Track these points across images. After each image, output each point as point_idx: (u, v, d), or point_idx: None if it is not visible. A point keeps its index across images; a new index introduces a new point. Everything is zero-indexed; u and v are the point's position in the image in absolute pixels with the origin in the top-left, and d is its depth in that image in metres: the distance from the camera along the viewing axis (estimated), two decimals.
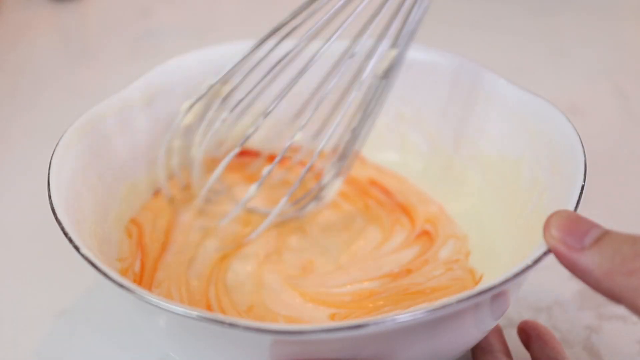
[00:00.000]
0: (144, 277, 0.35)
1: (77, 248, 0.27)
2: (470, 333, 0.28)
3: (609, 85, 0.58)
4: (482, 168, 0.38)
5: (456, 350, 0.29)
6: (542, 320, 0.36)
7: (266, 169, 0.35)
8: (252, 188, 0.35)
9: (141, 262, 0.35)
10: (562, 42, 0.65)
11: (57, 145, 0.32)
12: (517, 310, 0.37)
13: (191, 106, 0.37)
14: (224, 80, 0.37)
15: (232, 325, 0.23)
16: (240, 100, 0.36)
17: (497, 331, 0.33)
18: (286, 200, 0.35)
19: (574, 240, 0.24)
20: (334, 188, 0.38)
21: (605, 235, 0.24)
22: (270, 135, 0.42)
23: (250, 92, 0.36)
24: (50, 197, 0.29)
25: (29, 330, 0.37)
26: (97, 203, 0.34)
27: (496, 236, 0.35)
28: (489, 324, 0.29)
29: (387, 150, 0.42)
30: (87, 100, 0.36)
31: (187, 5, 0.74)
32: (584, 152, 0.30)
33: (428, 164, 0.41)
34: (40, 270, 0.40)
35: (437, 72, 0.39)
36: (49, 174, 0.30)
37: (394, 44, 0.35)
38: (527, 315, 0.37)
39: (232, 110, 0.36)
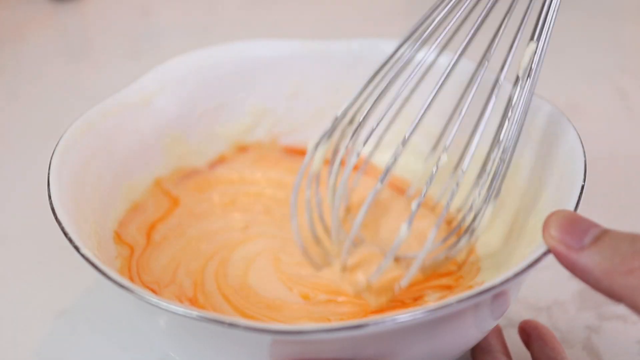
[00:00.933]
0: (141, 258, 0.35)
1: (77, 248, 0.27)
2: (470, 333, 0.28)
3: (610, 84, 0.58)
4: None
5: (456, 350, 0.29)
6: (542, 320, 0.36)
7: (415, 203, 0.30)
8: (403, 229, 0.30)
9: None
10: (563, 41, 0.65)
11: (57, 145, 0.32)
12: (517, 310, 0.37)
13: (317, 145, 0.33)
14: (349, 113, 0.34)
15: (231, 325, 0.23)
16: (373, 130, 0.32)
17: (497, 331, 0.33)
18: (434, 237, 0.30)
19: (573, 239, 0.24)
20: (487, 215, 0.32)
21: (604, 234, 0.24)
22: (407, 163, 0.40)
23: (381, 119, 0.32)
24: (50, 197, 0.29)
25: (29, 330, 0.37)
26: (96, 203, 0.34)
27: (496, 236, 0.35)
28: (489, 324, 0.29)
29: (387, 150, 0.42)
30: (87, 100, 0.36)
31: (187, 5, 0.74)
32: (584, 152, 0.30)
33: (428, 164, 0.41)
34: (40, 271, 0.40)
35: (437, 71, 0.39)
36: (49, 173, 0.30)
37: (531, 37, 0.31)
38: (527, 316, 0.37)
39: (365, 143, 0.32)
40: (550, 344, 0.32)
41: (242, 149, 0.42)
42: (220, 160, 0.42)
